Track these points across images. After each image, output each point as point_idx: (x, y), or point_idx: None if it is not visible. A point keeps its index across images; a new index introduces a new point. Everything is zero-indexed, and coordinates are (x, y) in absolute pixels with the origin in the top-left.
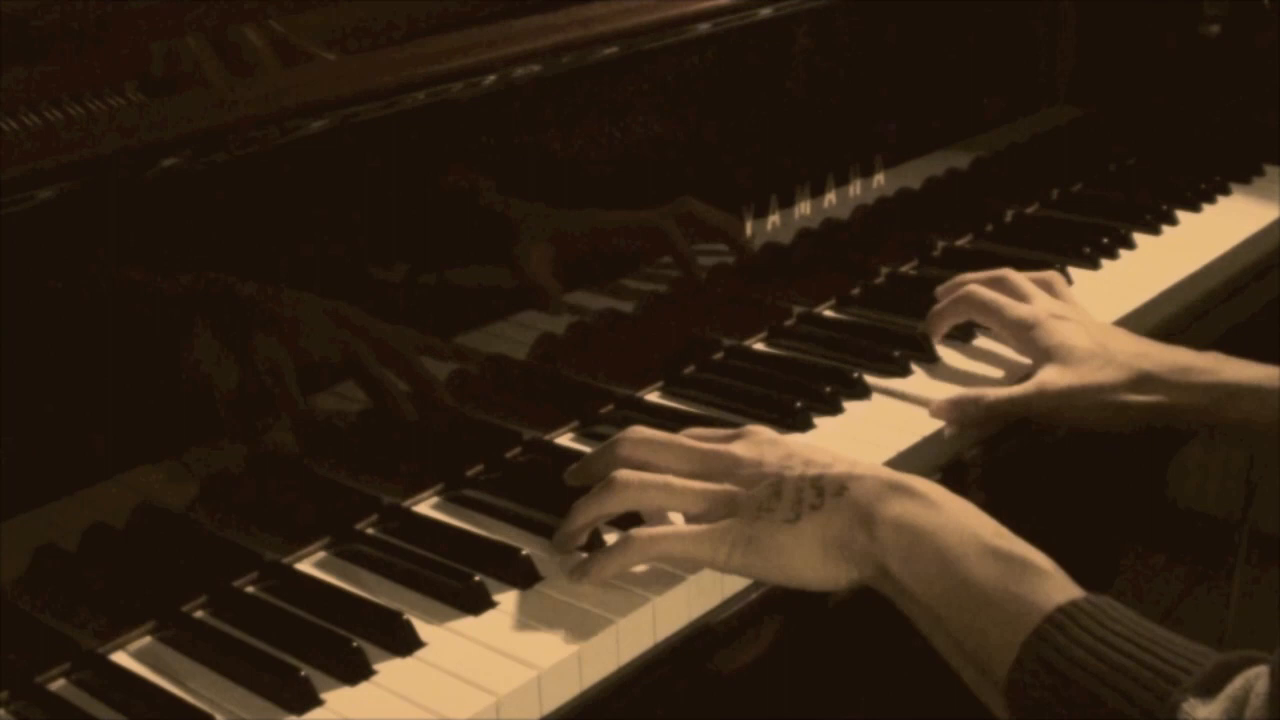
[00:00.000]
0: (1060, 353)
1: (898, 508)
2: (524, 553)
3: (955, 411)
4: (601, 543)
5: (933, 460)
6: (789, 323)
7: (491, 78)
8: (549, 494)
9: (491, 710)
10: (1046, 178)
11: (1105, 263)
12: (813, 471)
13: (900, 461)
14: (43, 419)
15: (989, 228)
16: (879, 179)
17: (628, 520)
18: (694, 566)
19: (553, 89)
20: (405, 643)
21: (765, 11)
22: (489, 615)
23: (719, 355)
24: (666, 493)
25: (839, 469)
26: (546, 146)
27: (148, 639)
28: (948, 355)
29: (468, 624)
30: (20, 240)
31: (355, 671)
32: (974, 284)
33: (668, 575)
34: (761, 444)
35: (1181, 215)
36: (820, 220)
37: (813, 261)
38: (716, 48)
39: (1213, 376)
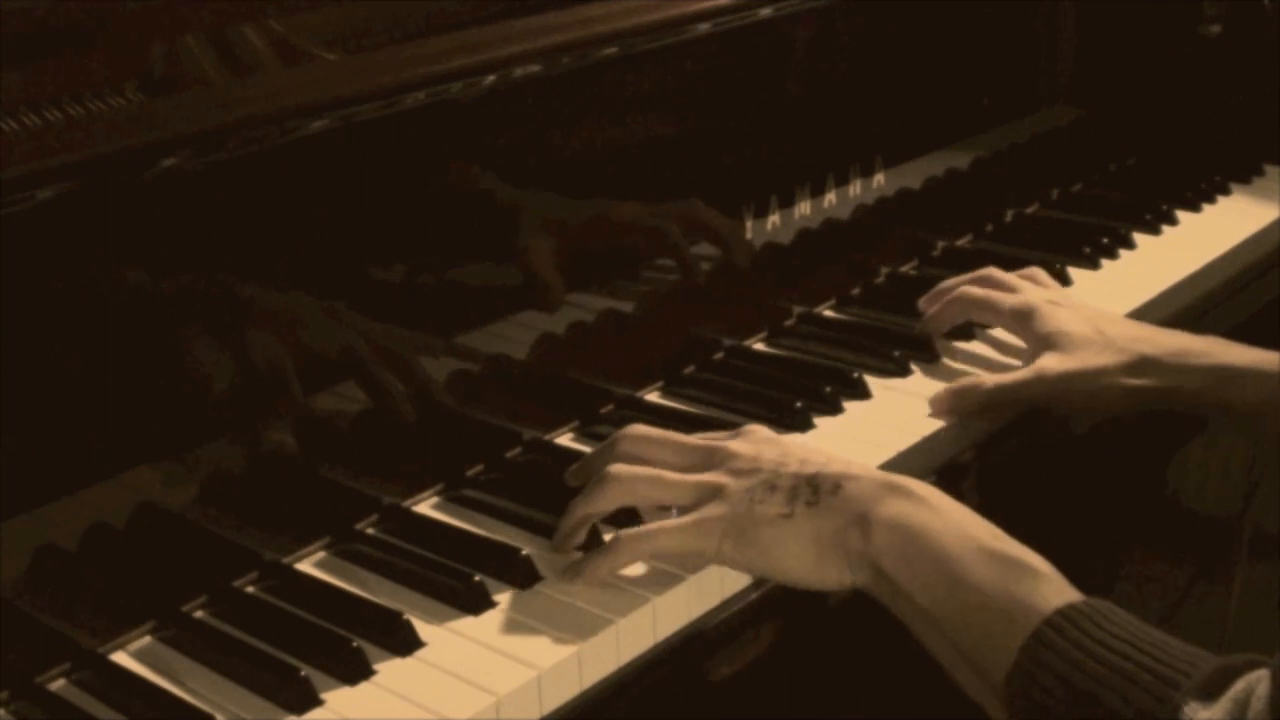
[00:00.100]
0: (1058, 338)
1: (894, 508)
2: (524, 553)
3: (954, 400)
4: (601, 541)
5: (933, 460)
6: (789, 323)
7: (491, 78)
8: (549, 494)
9: (491, 710)
10: (1046, 178)
11: (1105, 263)
12: (809, 469)
13: (900, 461)
14: (43, 419)
15: (989, 228)
16: (879, 179)
17: (628, 520)
18: (690, 563)
19: (553, 89)
20: (405, 643)
21: (765, 11)
22: (489, 615)
23: (719, 355)
24: (657, 485)
25: (835, 468)
26: (546, 147)
27: (148, 639)
28: (947, 355)
29: (468, 624)
30: (20, 240)
31: (355, 671)
32: (965, 285)
33: (668, 575)
34: (759, 441)
35: (1181, 215)
36: (820, 220)
37: (813, 261)
38: (716, 48)
39: (1211, 359)
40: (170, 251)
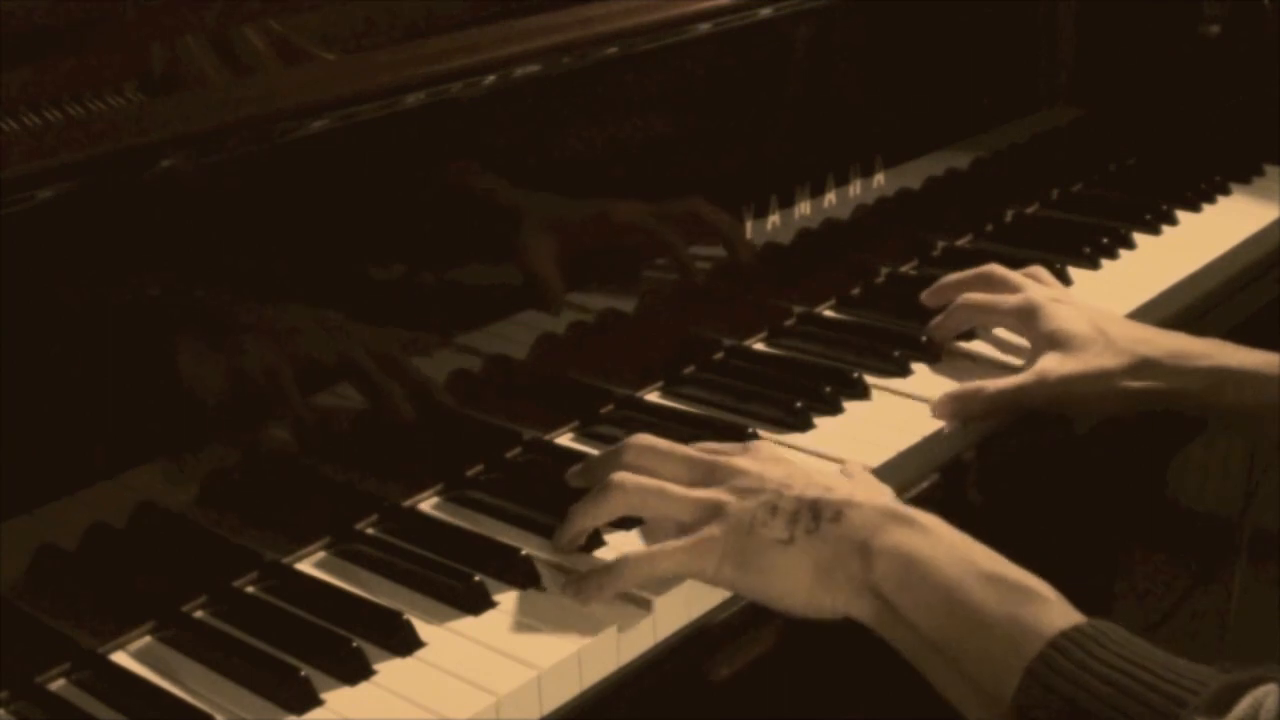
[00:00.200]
0: (1060, 338)
1: (894, 537)
2: (524, 553)
3: (956, 405)
4: (602, 543)
5: (933, 460)
6: (789, 323)
7: (491, 78)
8: (549, 494)
9: (491, 710)
10: (1046, 178)
11: (1105, 263)
12: (811, 494)
13: (900, 461)
14: (43, 419)
15: (989, 228)
16: (879, 179)
17: (628, 520)
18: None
19: (553, 89)
20: (405, 643)
21: (765, 11)
22: (489, 615)
23: (719, 355)
24: (661, 498)
25: (838, 495)
26: (546, 147)
27: (148, 639)
28: (948, 354)
29: (468, 624)
30: (20, 240)
31: (355, 671)
32: (966, 292)
33: None
34: (765, 459)
35: (1181, 215)
36: (820, 220)
37: (813, 261)
38: (716, 48)
39: (1212, 361)
40: (170, 251)
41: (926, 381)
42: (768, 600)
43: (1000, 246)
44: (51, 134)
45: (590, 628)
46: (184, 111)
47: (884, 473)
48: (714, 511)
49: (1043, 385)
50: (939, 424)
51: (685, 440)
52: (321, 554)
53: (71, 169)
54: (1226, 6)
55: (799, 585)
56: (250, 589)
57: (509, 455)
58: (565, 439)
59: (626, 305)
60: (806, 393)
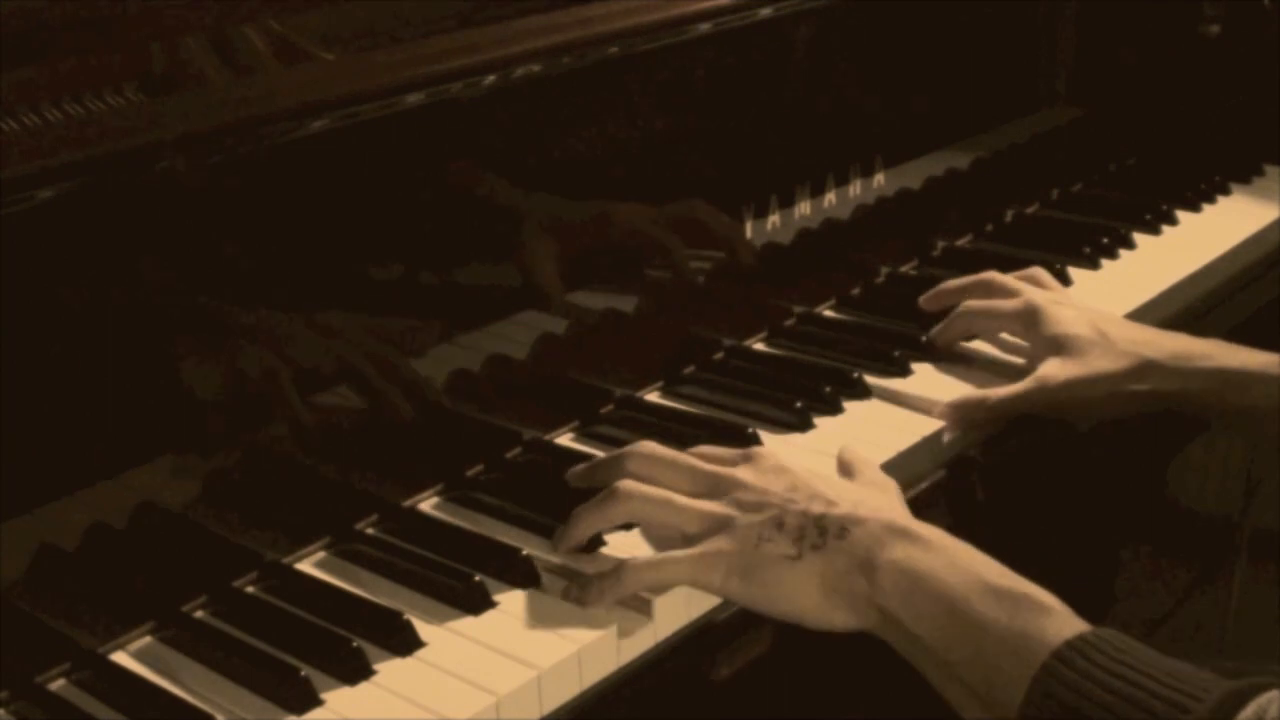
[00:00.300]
0: (1061, 342)
1: (899, 552)
2: (524, 553)
3: (959, 414)
4: (602, 542)
5: (933, 460)
6: (789, 323)
7: (491, 78)
8: (549, 494)
9: (491, 710)
10: (1046, 178)
11: (1105, 263)
12: (816, 509)
13: (900, 461)
14: (43, 419)
15: (989, 228)
16: (879, 179)
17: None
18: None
19: (553, 89)
20: (405, 643)
21: (765, 11)
22: (489, 615)
23: (719, 355)
24: (667, 509)
25: (842, 509)
26: (546, 147)
27: (148, 639)
28: (947, 355)
29: (468, 624)
30: (20, 240)
31: (355, 671)
32: (966, 300)
33: None
34: (767, 471)
35: (1181, 215)
36: (820, 220)
37: (813, 261)
38: (717, 48)
39: (1214, 362)
40: (170, 251)
41: (927, 381)
42: (776, 614)
43: (1000, 246)
44: (51, 134)
45: (590, 628)
46: (184, 111)
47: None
48: (720, 524)
49: (1045, 391)
50: (938, 424)
51: (685, 441)
52: (321, 554)
53: (71, 169)
54: (1226, 6)
55: (807, 600)
56: (250, 589)
57: (509, 455)
58: (565, 439)
59: (626, 305)
60: (806, 393)
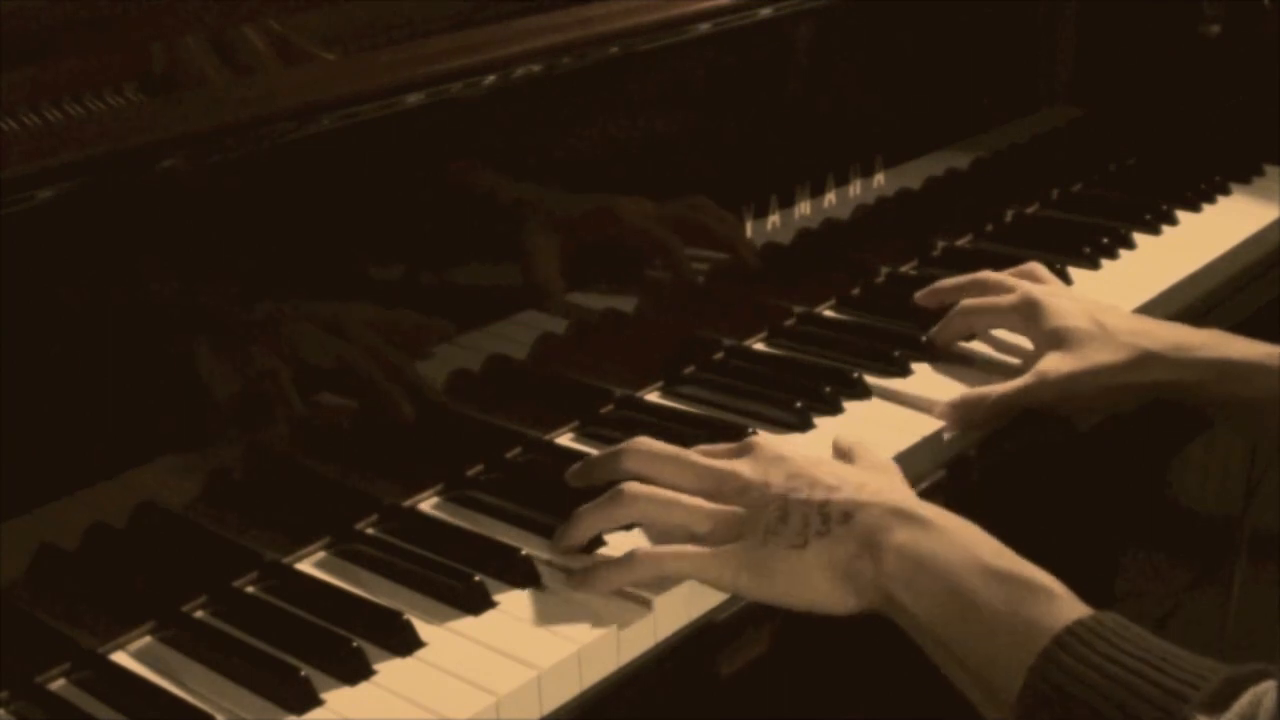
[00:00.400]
0: (1061, 335)
1: (902, 535)
2: (524, 553)
3: (960, 413)
4: (603, 543)
5: (933, 460)
6: (789, 323)
7: (491, 78)
8: (549, 494)
9: (491, 710)
10: (1046, 178)
11: (1105, 263)
12: (819, 495)
13: (900, 461)
14: (43, 419)
15: (989, 228)
16: (879, 179)
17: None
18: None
19: (553, 89)
20: (405, 643)
21: (765, 11)
22: (489, 615)
23: (719, 355)
24: (675, 509)
25: (845, 494)
26: (546, 147)
27: (148, 639)
28: (947, 354)
29: (468, 624)
30: (20, 240)
31: (355, 671)
32: (963, 299)
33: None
34: (768, 462)
35: (1181, 215)
36: (820, 220)
37: (813, 261)
38: (717, 48)
39: (1214, 353)
40: (170, 252)
41: (927, 381)
42: (787, 603)
43: (1000, 246)
44: (51, 134)
45: (590, 628)
46: (184, 111)
47: None
48: (728, 522)
49: (1045, 386)
50: (938, 424)
51: (686, 441)
52: (321, 554)
53: (71, 169)
54: (1226, 6)
55: (816, 587)
56: (250, 589)
57: (509, 455)
58: (565, 439)
59: (626, 305)
60: (806, 393)
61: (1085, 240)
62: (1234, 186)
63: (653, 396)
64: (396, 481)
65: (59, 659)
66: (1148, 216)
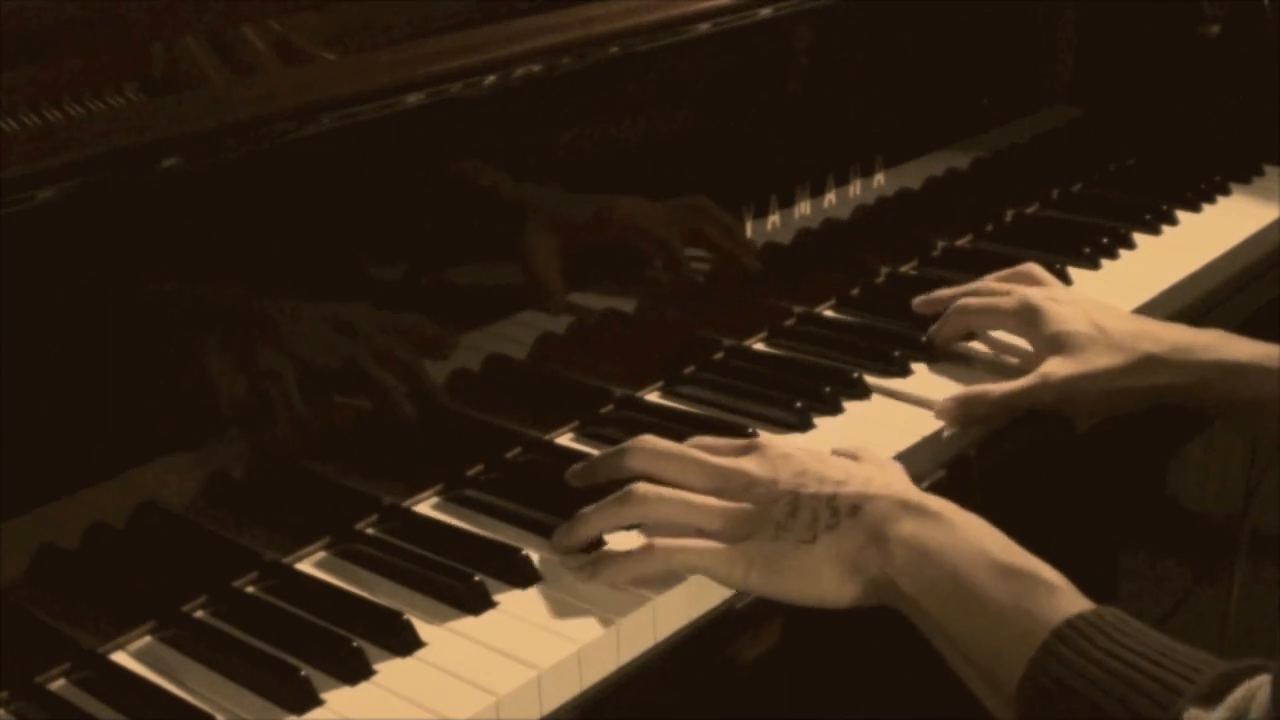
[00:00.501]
0: (1061, 340)
1: (909, 527)
2: (524, 553)
3: (961, 410)
4: (603, 543)
5: (933, 459)
6: (789, 323)
7: (491, 78)
8: (549, 494)
9: (491, 710)
10: (1046, 178)
11: (1105, 263)
12: (827, 490)
13: (900, 461)
14: (43, 419)
15: (989, 228)
16: (879, 179)
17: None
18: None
19: (553, 89)
20: (405, 643)
21: (765, 11)
22: (489, 615)
23: (719, 355)
24: (685, 509)
25: (852, 487)
26: (546, 147)
27: (148, 639)
28: (947, 354)
29: (468, 624)
30: (20, 240)
31: (355, 671)
32: (961, 297)
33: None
34: (774, 459)
35: (1181, 215)
36: (820, 220)
37: (813, 261)
38: (717, 48)
39: (1214, 354)
40: (171, 251)
41: (926, 381)
42: (798, 599)
43: (1000, 246)
44: (51, 134)
45: (590, 628)
46: (184, 111)
47: None
48: (738, 520)
49: (1046, 388)
50: (938, 424)
51: (685, 441)
52: (321, 554)
53: (71, 169)
54: (1226, 6)
55: (826, 582)
56: (250, 589)
57: (509, 455)
58: (565, 439)
59: (626, 305)
60: (806, 393)
61: (1085, 240)
62: (1234, 186)
63: (653, 396)
64: (396, 481)
65: (59, 659)
66: (1148, 216)
